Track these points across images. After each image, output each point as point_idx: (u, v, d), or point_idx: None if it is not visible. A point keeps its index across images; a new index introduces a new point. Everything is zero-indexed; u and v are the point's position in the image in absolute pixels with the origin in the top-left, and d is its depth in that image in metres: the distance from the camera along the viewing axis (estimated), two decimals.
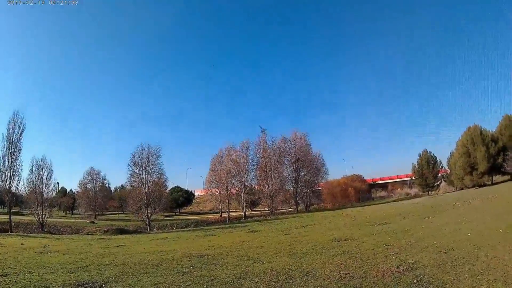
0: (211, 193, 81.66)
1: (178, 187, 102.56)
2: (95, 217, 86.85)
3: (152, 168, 63.65)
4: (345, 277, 11.25)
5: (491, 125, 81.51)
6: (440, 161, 65.70)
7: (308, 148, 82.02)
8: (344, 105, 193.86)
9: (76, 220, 78.12)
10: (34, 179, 63.10)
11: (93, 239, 35.42)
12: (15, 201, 68.56)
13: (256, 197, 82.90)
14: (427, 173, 64.67)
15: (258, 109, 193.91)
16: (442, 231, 18.07)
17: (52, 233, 54.06)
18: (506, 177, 51.25)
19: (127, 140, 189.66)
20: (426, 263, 12.02)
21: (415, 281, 10.22)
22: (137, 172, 62.86)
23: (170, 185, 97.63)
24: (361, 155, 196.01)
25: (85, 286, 11.90)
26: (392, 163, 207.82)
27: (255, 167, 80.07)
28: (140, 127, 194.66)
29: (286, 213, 75.87)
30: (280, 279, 11.76)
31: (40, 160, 64.46)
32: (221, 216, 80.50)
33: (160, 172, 65.49)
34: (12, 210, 58.54)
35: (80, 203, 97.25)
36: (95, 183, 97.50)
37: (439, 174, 65.82)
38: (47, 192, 65.11)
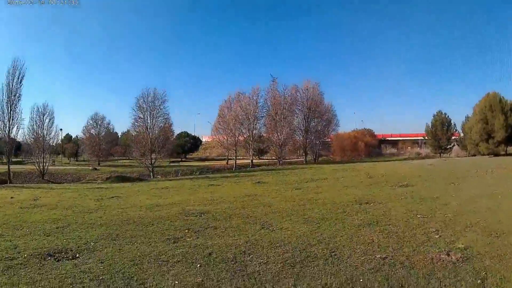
0: (218, 140, 79.28)
1: (185, 132, 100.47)
2: (98, 164, 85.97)
3: (158, 113, 61.32)
4: (383, 264, 8.33)
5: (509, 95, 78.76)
6: (455, 124, 64.73)
7: (320, 98, 79.26)
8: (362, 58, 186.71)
9: (79, 167, 76.95)
10: (35, 126, 61.45)
11: (90, 188, 33.06)
12: (16, 150, 68.17)
13: (264, 146, 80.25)
14: (441, 135, 63.90)
15: (271, 58, 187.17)
16: (479, 205, 15.01)
17: (52, 182, 52.55)
18: None
19: (134, 83, 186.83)
20: (481, 250, 9.03)
21: (478, 281, 7.27)
22: (142, 116, 60.68)
23: (177, 131, 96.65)
24: (372, 110, 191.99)
25: (55, 257, 9.51)
26: (404, 121, 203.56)
27: (264, 114, 77.96)
28: (148, 69, 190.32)
29: (294, 163, 73.83)
30: (297, 260, 8.89)
31: (41, 107, 62.58)
32: (227, 163, 78.91)
33: (165, 117, 63.31)
34: (13, 160, 57.15)
35: (84, 150, 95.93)
36: (100, 129, 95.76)
37: (452, 137, 64.32)
38: (49, 139, 63.84)
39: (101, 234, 12.22)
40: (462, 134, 60.01)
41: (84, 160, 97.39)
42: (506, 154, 48.77)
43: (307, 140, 76.82)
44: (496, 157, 47.49)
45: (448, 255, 8.77)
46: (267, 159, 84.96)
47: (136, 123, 61.99)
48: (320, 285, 7.39)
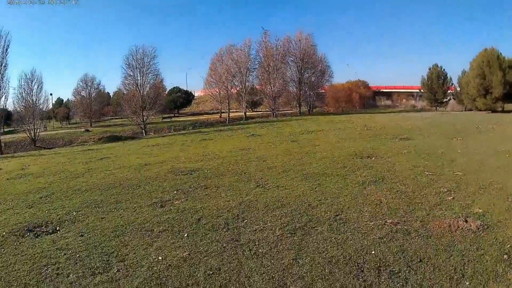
0: (210, 93, 77.31)
1: (177, 87, 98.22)
2: (90, 125, 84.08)
3: (148, 69, 59.99)
4: (396, 231, 7.26)
5: (506, 51, 76.38)
6: (451, 78, 63.51)
7: (313, 49, 76.51)
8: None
9: (71, 130, 74.74)
10: (23, 94, 60.16)
11: (80, 151, 31.36)
12: (6, 120, 66.83)
13: (258, 98, 78.72)
14: (437, 88, 62.77)
15: (262, 7, 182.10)
16: (488, 164, 13.67)
17: (44, 148, 50.81)
18: None
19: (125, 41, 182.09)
20: (501, 217, 7.81)
21: (504, 256, 6.12)
22: (132, 74, 59.30)
23: (169, 87, 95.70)
24: (366, 63, 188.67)
25: (34, 232, 8.51)
26: (398, 73, 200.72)
27: (257, 66, 75.28)
28: (139, 25, 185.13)
29: (288, 114, 72.94)
30: (297, 225, 7.85)
31: (29, 74, 60.82)
32: (220, 116, 77.52)
33: (156, 73, 61.98)
34: (4, 130, 55.71)
35: (75, 112, 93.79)
36: (90, 90, 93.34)
37: (448, 91, 63.57)
38: (39, 105, 62.37)
39: (84, 201, 11.14)
40: (458, 88, 58.26)
41: (76, 123, 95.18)
42: (503, 111, 47.97)
43: (301, 92, 75.11)
44: (493, 113, 46.68)
45: (466, 221, 7.64)
46: (261, 111, 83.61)
47: (126, 81, 60.85)
48: (325, 258, 6.33)
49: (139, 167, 17.55)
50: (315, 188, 11.18)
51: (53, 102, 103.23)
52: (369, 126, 32.19)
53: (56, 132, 73.26)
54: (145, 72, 59.62)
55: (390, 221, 7.87)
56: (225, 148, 23.14)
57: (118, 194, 11.96)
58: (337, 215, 8.44)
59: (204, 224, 8.32)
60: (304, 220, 8.23)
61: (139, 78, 59.22)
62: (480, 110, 49.77)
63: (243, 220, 8.46)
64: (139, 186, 13.01)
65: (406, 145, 19.02)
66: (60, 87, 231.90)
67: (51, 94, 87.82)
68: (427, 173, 12.49)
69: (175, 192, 11.72)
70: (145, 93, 58.96)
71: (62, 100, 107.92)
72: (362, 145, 20.06)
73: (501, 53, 48.65)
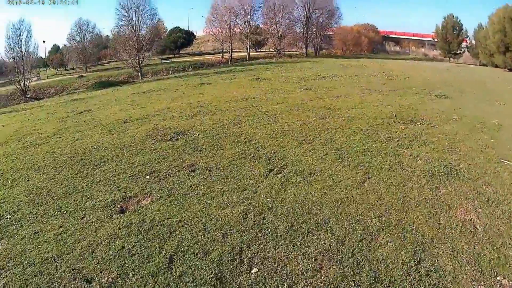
0: (212, 33, 71.44)
1: (177, 27, 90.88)
2: (86, 70, 77.21)
3: (143, 9, 54.33)
4: None
5: None
6: (466, 30, 58.39)
7: None
8: None
9: (65, 77, 68.55)
10: (11, 44, 54.62)
11: (64, 102, 26.57)
12: None
13: (262, 38, 72.46)
14: (451, 39, 57.60)
15: None
16: None
17: (35, 99, 46.37)
18: None
19: None
20: None
21: None
22: (126, 15, 53.57)
23: (170, 27, 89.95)
24: (373, 7, 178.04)
25: None
26: (408, 20, 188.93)
27: (262, 5, 68.83)
28: None
29: (294, 55, 66.55)
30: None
31: (17, 23, 54.79)
32: (222, 57, 71.35)
33: (152, 13, 56.24)
34: None
35: (70, 58, 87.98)
36: (85, 34, 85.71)
37: (463, 44, 58.90)
38: (29, 55, 56.82)
39: (28, 193, 7.71)
40: (473, 42, 54.04)
41: (73, 68, 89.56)
42: None
43: (308, 33, 69.01)
44: (510, 71, 42.00)
45: None
46: (265, 51, 77.71)
47: (121, 22, 55.40)
48: None
49: (116, 125, 13.56)
50: (363, 182, 7.41)
51: (49, 49, 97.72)
52: (389, 74, 27.35)
53: (49, 80, 67.78)
54: (140, 12, 54.25)
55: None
56: (225, 96, 18.87)
57: (73, 177, 8.41)
58: (418, 264, 4.74)
59: (179, 277, 4.49)
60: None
61: (134, 19, 53.95)
62: (497, 67, 45.48)
63: (250, 267, 4.66)
64: (104, 162, 9.28)
65: (449, 107, 14.73)
66: (56, 34, 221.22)
67: (44, 42, 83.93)
68: (504, 162, 8.60)
69: (148, 178, 8.00)
70: (141, 34, 54.00)
71: (58, 46, 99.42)
72: (395, 101, 15.69)
73: None
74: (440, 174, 7.78)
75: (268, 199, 6.74)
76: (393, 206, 6.43)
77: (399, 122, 11.78)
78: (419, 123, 11.80)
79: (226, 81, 27.80)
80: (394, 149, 9.19)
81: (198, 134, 11.10)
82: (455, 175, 7.76)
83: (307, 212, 6.22)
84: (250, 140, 10.14)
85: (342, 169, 7.94)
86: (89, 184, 7.85)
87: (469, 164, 8.36)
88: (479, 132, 11.06)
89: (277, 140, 10.06)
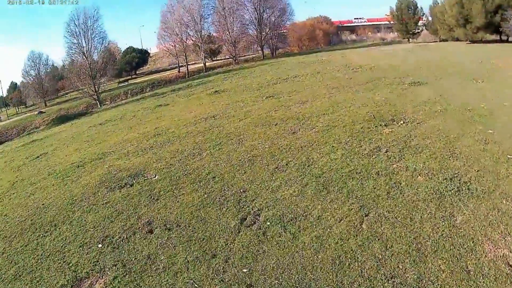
0: (165, 48, 69.32)
1: (131, 47, 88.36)
2: (45, 105, 74.04)
3: (92, 34, 51.49)
4: None
5: None
6: (421, 8, 57.81)
7: None
8: None
9: (24, 116, 65.13)
10: None
11: (23, 146, 23.42)
12: None
13: (216, 45, 70.59)
14: (407, 19, 56.98)
15: None
16: None
17: None
18: (498, 37, 43.46)
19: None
20: None
21: None
22: (76, 42, 50.73)
23: (124, 47, 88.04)
24: None
25: None
26: (359, 7, 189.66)
27: (211, 12, 66.96)
28: None
29: (251, 59, 65.12)
30: None
31: None
32: (179, 71, 69.25)
33: (102, 36, 53.27)
34: None
35: (28, 94, 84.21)
36: (39, 67, 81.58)
37: (420, 22, 58.53)
38: None
39: None
40: (430, 19, 54.12)
41: (33, 105, 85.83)
42: (483, 41, 43.20)
43: (262, 34, 67.43)
44: (474, 43, 41.85)
45: None
46: (221, 59, 75.77)
47: (71, 50, 52.22)
48: None
49: (69, 171, 11.78)
50: (361, 224, 5.88)
51: (7, 87, 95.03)
52: (353, 66, 25.94)
53: (9, 122, 64.49)
54: (90, 37, 51.62)
55: None
56: (183, 118, 17.01)
57: (23, 251, 6.99)
58: None
59: None
60: None
61: (84, 45, 51.29)
62: (458, 40, 45.54)
63: None
64: (55, 225, 7.78)
65: (428, 96, 13.36)
66: (13, 70, 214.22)
67: None
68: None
69: (100, 246, 6.44)
70: (94, 59, 51.21)
71: (16, 83, 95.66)
72: (369, 97, 14.21)
73: None
74: (450, 193, 6.30)
75: (245, 270, 5.06)
76: (406, 257, 4.85)
77: (380, 125, 10.27)
78: (402, 122, 10.35)
79: (184, 98, 25.94)
80: (386, 165, 7.64)
81: (155, 176, 9.33)
82: (467, 190, 6.30)
83: (296, 285, 4.59)
84: (214, 177, 8.41)
85: (330, 206, 6.31)
86: (39, 261, 6.35)
87: (477, 171, 6.92)
88: (472, 123, 9.70)
89: (245, 172, 8.38)
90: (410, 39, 57.79)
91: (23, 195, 10.42)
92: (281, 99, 17.01)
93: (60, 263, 6.15)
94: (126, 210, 7.59)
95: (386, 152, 8.30)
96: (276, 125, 12.10)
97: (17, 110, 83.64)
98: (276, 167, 8.33)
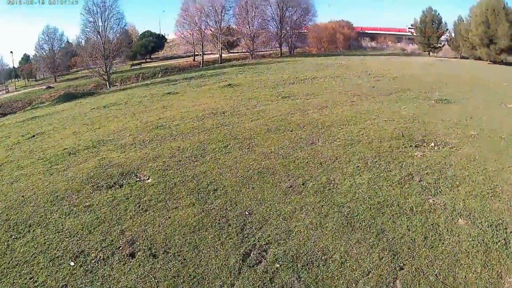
0: (182, 36, 67.31)
1: (148, 31, 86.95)
2: (55, 80, 73.20)
3: (110, 14, 50.04)
4: None
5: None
6: (445, 23, 56.10)
7: None
8: None
9: (33, 89, 63.91)
10: None
11: (23, 121, 22.10)
12: None
13: (235, 38, 69.09)
14: (430, 32, 55.43)
15: None
16: None
17: (2, 115, 41.18)
18: None
19: None
20: None
21: None
22: (92, 20, 49.28)
23: (142, 31, 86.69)
24: (348, 2, 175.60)
25: None
26: (383, 15, 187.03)
27: (233, 4, 65.45)
28: None
29: (268, 55, 64.15)
30: None
31: None
32: (194, 60, 67.87)
33: (119, 17, 51.87)
34: None
35: (39, 68, 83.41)
36: (53, 42, 79.69)
37: (442, 37, 56.90)
38: None
39: None
40: (453, 35, 52.85)
41: (43, 79, 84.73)
42: (504, 63, 42.01)
43: (282, 31, 65.96)
44: (495, 64, 40.60)
45: None
46: (238, 52, 74.31)
47: (86, 29, 50.77)
48: None
49: (60, 159, 10.58)
50: (394, 281, 4.66)
51: (20, 59, 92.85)
52: (374, 74, 24.65)
53: (16, 94, 63.12)
54: (107, 16, 50.04)
55: None
56: (191, 110, 15.73)
57: None
58: None
59: None
60: None
61: (100, 24, 49.73)
62: (480, 59, 44.03)
63: None
64: (29, 226, 6.59)
65: (458, 117, 12.07)
66: (27, 42, 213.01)
67: (11, 52, 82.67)
68: None
69: (72, 264, 5.33)
70: (108, 40, 49.83)
71: (28, 56, 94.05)
72: (395, 111, 12.86)
73: (506, 3, 42.85)
74: (496, 245, 5.19)
75: None
76: None
77: (410, 146, 8.97)
78: (434, 145, 9.07)
79: (195, 88, 24.58)
80: (420, 199, 6.38)
81: (148, 178, 8.09)
82: None
83: None
84: (216, 189, 7.15)
85: (355, 250, 5.04)
86: (5, 272, 5.22)
87: None
88: (509, 154, 8.41)
89: (252, 187, 7.11)
90: (431, 53, 56.29)
91: (7, 180, 9.23)
92: (298, 102, 15.71)
93: (26, 279, 4.98)
94: (109, 219, 6.36)
95: (419, 181, 7.03)
96: (291, 131, 10.80)
97: (27, 82, 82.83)
98: (291, 186, 7.04)
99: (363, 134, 10.08)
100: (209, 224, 5.96)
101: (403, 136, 9.67)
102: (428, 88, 17.90)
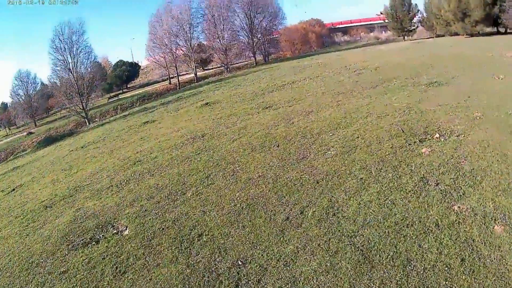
0: (155, 60, 66.47)
1: (121, 61, 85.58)
2: (35, 124, 71.77)
3: (78, 49, 49.13)
4: None
5: None
6: (416, 4, 55.78)
7: None
8: None
9: (13, 138, 62.47)
10: None
11: (6, 172, 21.85)
12: None
13: (207, 54, 67.67)
14: (402, 16, 55.00)
15: None
16: None
17: None
18: (495, 30, 42.17)
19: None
20: None
21: None
22: (61, 58, 48.25)
23: (115, 61, 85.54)
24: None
25: None
26: (351, 8, 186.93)
27: (201, 20, 64.54)
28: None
29: (243, 67, 62.54)
30: None
31: None
32: (170, 83, 66.86)
33: (88, 51, 50.68)
34: None
35: (17, 114, 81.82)
36: (28, 86, 78.41)
37: (414, 19, 56.30)
38: None
39: None
40: (425, 15, 52.37)
41: (23, 125, 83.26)
42: (481, 34, 41.54)
43: (254, 40, 65.10)
44: (472, 37, 39.95)
45: None
46: (213, 68, 73.24)
47: (57, 67, 49.48)
48: None
49: (36, 214, 9.88)
50: None
51: None
52: (354, 68, 23.54)
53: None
54: (75, 52, 49.08)
55: None
56: (170, 138, 14.63)
57: None
58: None
59: None
60: None
61: (70, 61, 48.70)
62: (456, 35, 43.84)
63: None
64: None
65: (454, 98, 11.04)
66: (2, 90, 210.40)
67: None
68: None
69: None
70: (80, 75, 48.60)
71: (6, 104, 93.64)
72: (386, 104, 11.81)
73: None
74: None
75: None
76: None
77: (414, 142, 7.92)
78: (438, 136, 8.03)
79: (172, 113, 23.41)
80: (444, 208, 5.34)
81: (126, 228, 7.01)
82: None
83: None
84: (200, 235, 6.02)
85: None
86: None
87: None
88: None
89: (243, 226, 5.98)
90: (406, 37, 56.05)
91: None
92: (280, 111, 14.60)
93: None
94: (85, 286, 5.27)
95: (437, 185, 5.95)
96: (278, 146, 9.69)
97: (7, 131, 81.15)
98: (287, 219, 5.89)
99: (358, 137, 9.00)
100: (196, 283, 4.83)
101: (403, 132, 8.60)
102: (413, 73, 16.92)
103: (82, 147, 20.67)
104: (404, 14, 54.79)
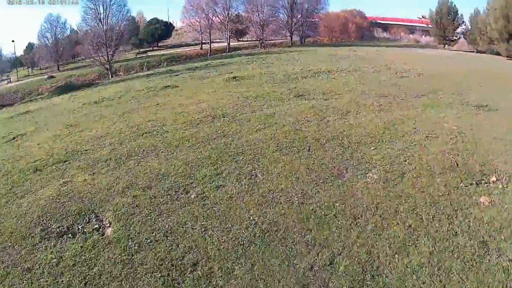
0: (189, 23, 64.89)
1: (155, 19, 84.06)
2: (58, 69, 71.16)
3: (111, 1, 48.27)
4: None
5: None
6: (462, 15, 53.59)
7: None
8: None
9: (34, 79, 62.18)
10: None
11: (17, 114, 21.47)
12: None
13: (243, 26, 66.41)
14: (446, 24, 53.12)
15: None
16: None
17: (1, 106, 39.74)
18: None
19: None
20: None
21: None
22: (93, 7, 47.59)
23: (149, 17, 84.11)
24: None
25: None
26: (396, 5, 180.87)
27: None
28: None
29: (278, 45, 61.08)
30: None
31: None
32: (201, 48, 65.18)
33: (121, 3, 49.97)
34: None
35: (41, 57, 79.24)
36: (56, 30, 76.31)
37: (458, 29, 54.79)
38: None
39: None
40: (469, 27, 50.53)
41: (47, 67, 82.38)
42: None
43: (293, 20, 62.72)
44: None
45: None
46: (247, 41, 71.46)
47: (87, 16, 48.94)
48: None
49: (24, 177, 8.75)
50: None
51: (24, 47, 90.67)
52: (396, 68, 21.66)
53: (18, 83, 61.62)
54: (108, 3, 48.11)
55: None
56: (187, 110, 13.24)
57: None
58: None
59: None
60: None
61: (102, 11, 47.68)
62: (498, 55, 41.48)
63: None
64: None
65: (509, 130, 9.40)
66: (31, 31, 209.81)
67: (13, 41, 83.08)
68: None
69: None
70: (110, 27, 47.78)
71: (33, 45, 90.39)
72: (433, 122, 10.14)
73: None
74: None
75: None
76: None
77: (470, 184, 6.37)
78: (495, 179, 6.53)
79: (197, 81, 22.07)
80: None
81: (109, 225, 5.80)
82: None
83: None
84: (195, 264, 4.69)
85: None
86: None
87: None
88: None
89: (251, 265, 4.60)
90: (446, 46, 53.87)
91: None
92: (314, 103, 13.01)
93: None
94: None
95: (498, 256, 4.51)
96: (308, 150, 8.23)
97: (30, 72, 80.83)
98: (311, 268, 4.45)
99: (405, 160, 7.45)
100: None
101: (457, 165, 7.05)
102: (459, 88, 15.24)
103: (96, 102, 19.57)
104: (449, 22, 53.00)
